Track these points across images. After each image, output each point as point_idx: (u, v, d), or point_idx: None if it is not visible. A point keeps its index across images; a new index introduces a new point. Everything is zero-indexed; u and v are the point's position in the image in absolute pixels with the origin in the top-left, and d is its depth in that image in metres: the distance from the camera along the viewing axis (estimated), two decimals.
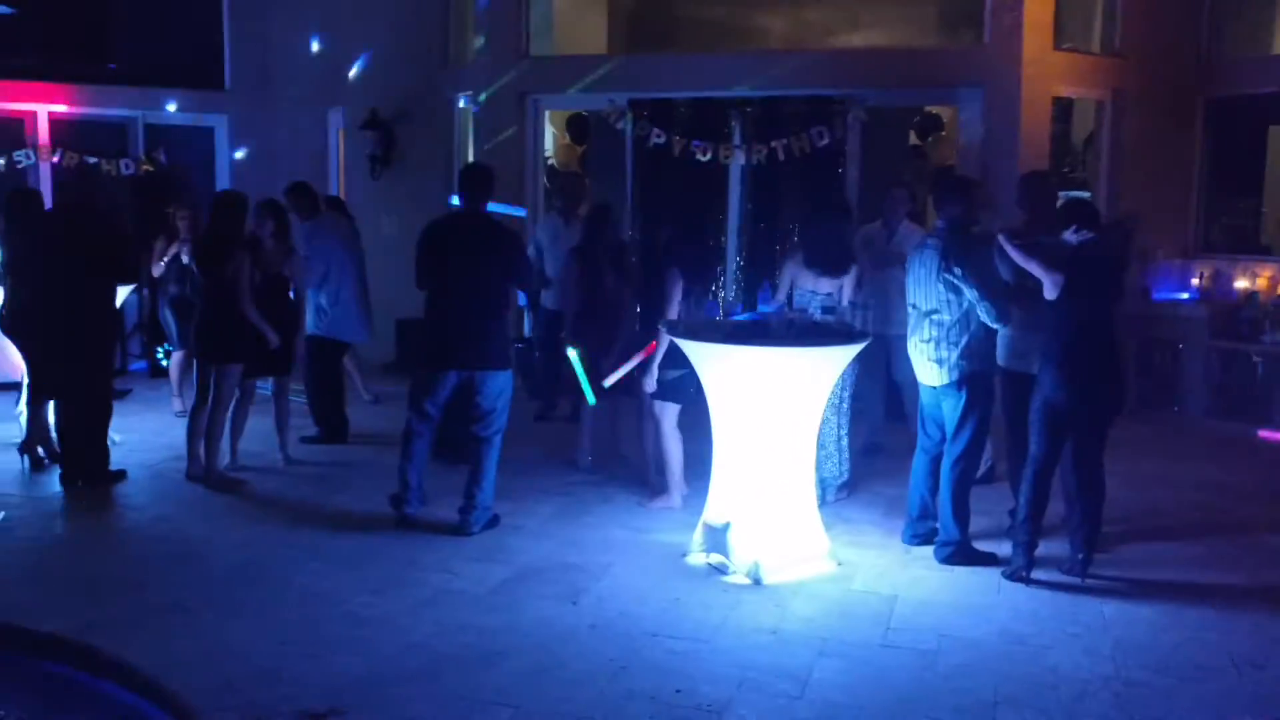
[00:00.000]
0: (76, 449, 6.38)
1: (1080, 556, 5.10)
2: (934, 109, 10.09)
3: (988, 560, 5.30)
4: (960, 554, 5.30)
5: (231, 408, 6.73)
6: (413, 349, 5.81)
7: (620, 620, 4.54)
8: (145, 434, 7.74)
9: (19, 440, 6.92)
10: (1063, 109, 9.57)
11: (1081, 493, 5.09)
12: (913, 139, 10.23)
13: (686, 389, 5.79)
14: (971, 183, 5.60)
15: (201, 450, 6.52)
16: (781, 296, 6.11)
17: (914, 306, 5.38)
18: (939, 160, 9.78)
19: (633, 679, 3.98)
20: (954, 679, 4.07)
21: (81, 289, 6.33)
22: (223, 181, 12.44)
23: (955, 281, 5.13)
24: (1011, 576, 5.09)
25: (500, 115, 9.83)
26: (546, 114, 10.21)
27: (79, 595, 4.76)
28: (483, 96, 9.90)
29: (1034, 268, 5.01)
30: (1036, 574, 5.09)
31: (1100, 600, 4.86)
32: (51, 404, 6.67)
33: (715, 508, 5.27)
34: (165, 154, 11.88)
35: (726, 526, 5.13)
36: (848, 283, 6.12)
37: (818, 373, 5.10)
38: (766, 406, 5.01)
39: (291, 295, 6.91)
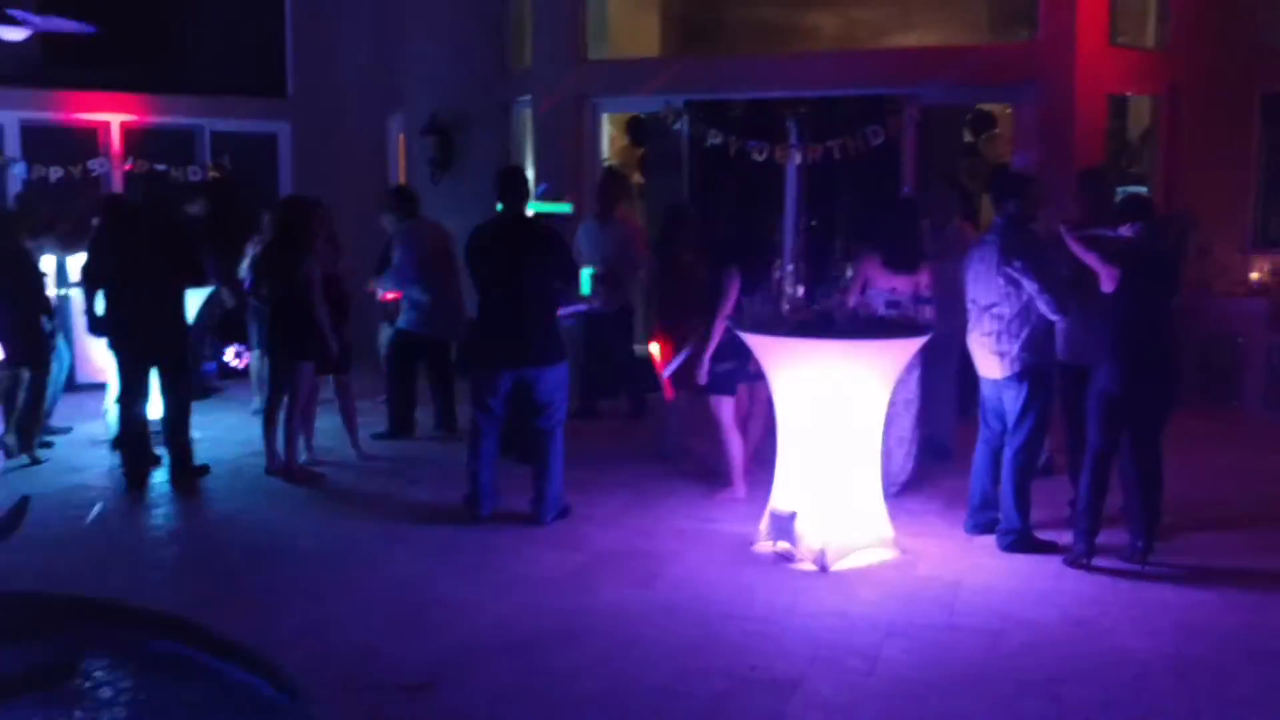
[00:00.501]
0: (179, 446, 6.68)
1: (1140, 544, 5.21)
2: (987, 106, 10.17)
3: (1048, 549, 5.42)
4: (1021, 542, 5.42)
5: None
6: (468, 350, 6.02)
7: (694, 602, 4.73)
8: (221, 430, 8.05)
9: (108, 438, 7.22)
10: (1118, 104, 9.61)
11: (1140, 482, 5.19)
12: (967, 137, 10.31)
13: (736, 382, 5.98)
14: (1028, 179, 5.74)
15: (280, 445, 6.80)
16: (854, 298, 6.16)
17: (973, 301, 5.51)
18: (993, 158, 9.87)
19: (708, 656, 4.16)
20: (1018, 658, 4.21)
21: (167, 291, 6.65)
22: (285, 187, 12.79)
23: (1014, 275, 5.26)
24: (1073, 563, 5.21)
25: (559, 119, 10.04)
26: (604, 117, 10.41)
27: (175, 580, 5.03)
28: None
29: (1092, 261, 5.13)
30: (1097, 561, 5.20)
31: (1161, 586, 4.98)
32: (148, 404, 6.87)
33: (781, 497, 5.43)
34: (230, 161, 12.28)
35: (793, 515, 5.29)
36: (923, 281, 6.23)
37: (881, 365, 5.25)
38: (831, 398, 5.17)
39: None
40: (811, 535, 5.23)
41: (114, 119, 12.05)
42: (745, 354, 5.64)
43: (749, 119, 9.58)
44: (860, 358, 5.13)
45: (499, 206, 5.91)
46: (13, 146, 11.61)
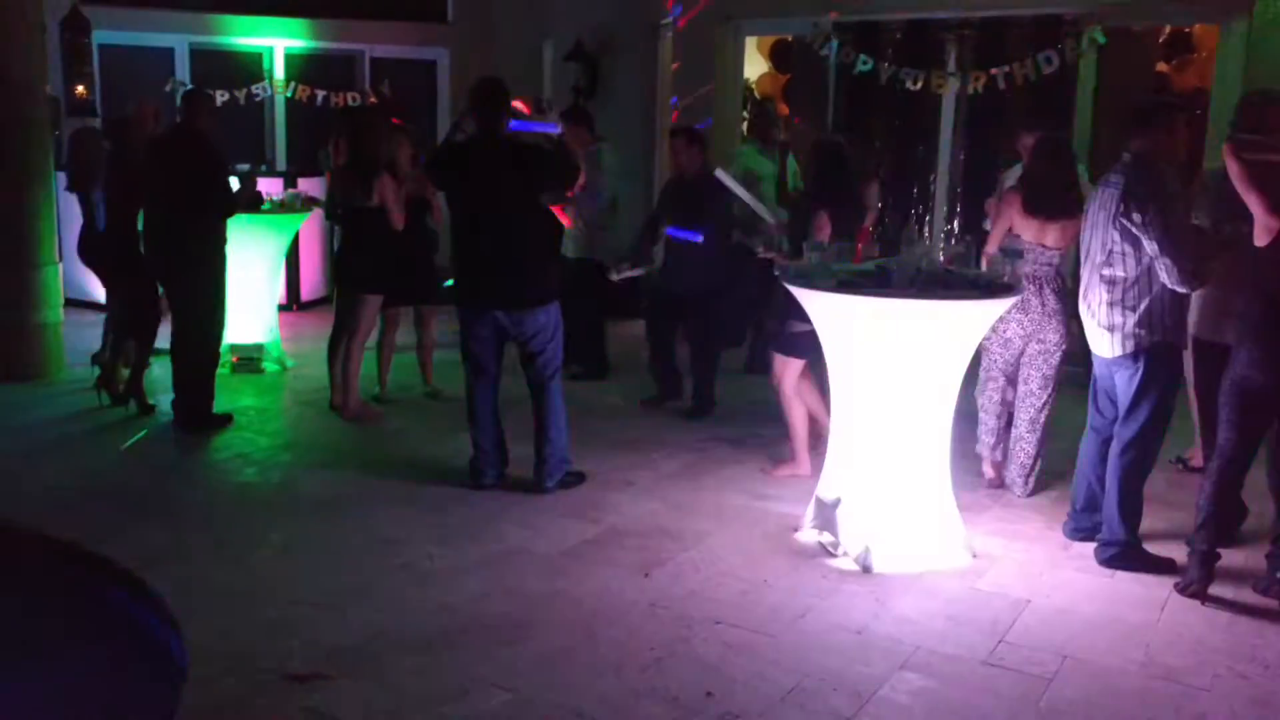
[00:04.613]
0: (180, 395, 6.14)
1: (1279, 575, 4.12)
2: (1186, 28, 8.64)
3: (1162, 567, 4.38)
4: (1125, 556, 4.41)
5: (377, 337, 6.67)
6: (452, 290, 5.16)
7: (686, 601, 4.02)
8: (318, 362, 7.78)
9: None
10: None
11: None
12: (1161, 66, 8.82)
13: (812, 346, 5.13)
14: (1173, 106, 4.55)
15: (344, 379, 6.46)
16: (993, 248, 5.17)
17: (1086, 257, 4.47)
18: (1183, 87, 8.36)
19: (666, 673, 3.46)
20: (1060, 717, 3.30)
21: (180, 223, 5.99)
22: (444, 114, 12.58)
23: (1135, 230, 4.19)
24: (1183, 591, 4.17)
25: (700, 41, 9.26)
26: (748, 40, 9.53)
27: (158, 524, 4.71)
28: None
29: (1254, 200, 3.98)
30: (1218, 590, 4.15)
31: None
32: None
33: (829, 480, 4.62)
34: (389, 86, 12.13)
35: (836, 502, 4.48)
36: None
37: (952, 331, 4.32)
38: (886, 367, 4.30)
39: (430, 222, 6.71)
40: (856, 528, 4.40)
41: (277, 43, 12.09)
42: None
43: (904, 42, 8.48)
44: (921, 320, 4.21)
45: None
46: (182, 70, 11.82)
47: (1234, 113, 4.71)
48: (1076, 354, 6.49)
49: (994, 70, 8.03)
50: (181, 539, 4.52)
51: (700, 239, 6.34)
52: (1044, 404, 5.24)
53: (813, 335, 5.11)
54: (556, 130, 5.76)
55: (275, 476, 5.41)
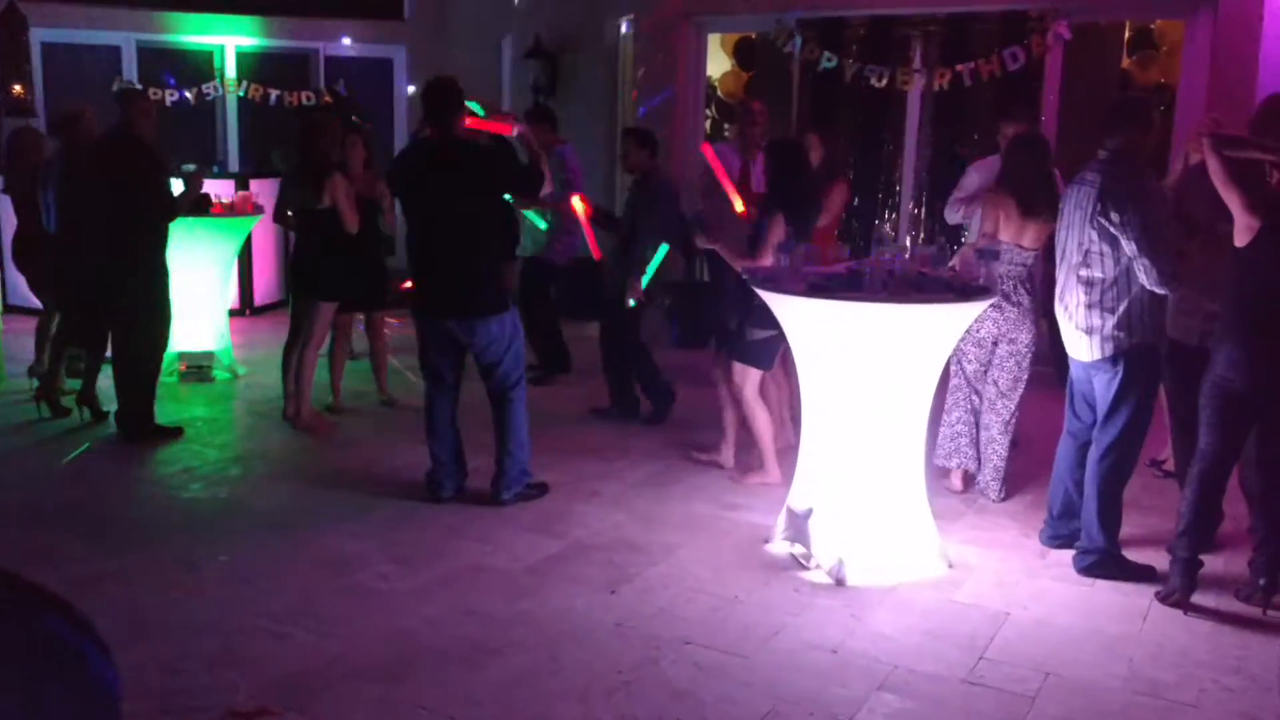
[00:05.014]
0: (121, 404, 5.88)
1: (1262, 581, 4.01)
2: (1150, 24, 8.58)
3: (1142, 575, 4.27)
4: (1104, 565, 4.29)
5: (329, 345, 6.45)
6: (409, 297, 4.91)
7: (655, 620, 3.85)
8: (271, 370, 7.54)
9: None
10: None
11: (1266, 501, 3.99)
12: (1126, 62, 8.75)
13: (774, 355, 5.00)
14: (1147, 104, 4.43)
15: (297, 389, 6.23)
16: (981, 242, 5.04)
17: (1062, 257, 4.34)
18: (1146, 83, 8.28)
19: (631, 700, 3.28)
20: None
21: (121, 228, 5.74)
22: (401, 113, 12.34)
23: (1112, 230, 4.07)
24: (1165, 600, 4.06)
25: (660, 39, 9.09)
26: (709, 38, 9.37)
27: (94, 544, 4.47)
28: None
29: (1233, 198, 3.87)
30: (1200, 599, 4.04)
31: None
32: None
33: (800, 489, 4.46)
34: (344, 86, 11.87)
35: (808, 513, 4.33)
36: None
37: (928, 335, 4.17)
38: (858, 372, 4.15)
39: (380, 224, 6.49)
40: (829, 539, 4.25)
41: (228, 41, 11.79)
42: None
43: (869, 39, 8.36)
44: (893, 325, 4.06)
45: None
46: (130, 70, 11.49)
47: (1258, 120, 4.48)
48: (1044, 354, 6.41)
49: (959, 66, 7.94)
50: (119, 561, 4.27)
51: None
52: (1015, 405, 5.14)
53: (771, 342, 4.99)
54: (515, 131, 5.53)
55: (222, 492, 5.17)
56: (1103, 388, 4.26)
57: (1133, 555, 4.36)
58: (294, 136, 7.03)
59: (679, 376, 6.64)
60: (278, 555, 4.37)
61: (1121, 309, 4.14)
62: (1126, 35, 8.57)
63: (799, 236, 4.95)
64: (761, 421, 5.18)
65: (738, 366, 5.15)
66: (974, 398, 5.21)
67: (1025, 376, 5.11)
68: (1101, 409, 4.28)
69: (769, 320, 4.63)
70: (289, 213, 6.27)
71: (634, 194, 6.31)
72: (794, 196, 5.14)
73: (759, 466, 5.30)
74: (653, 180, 6.25)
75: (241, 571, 4.21)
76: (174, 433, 5.96)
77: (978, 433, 5.23)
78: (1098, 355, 4.21)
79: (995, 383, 5.12)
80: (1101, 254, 4.13)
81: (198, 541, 4.52)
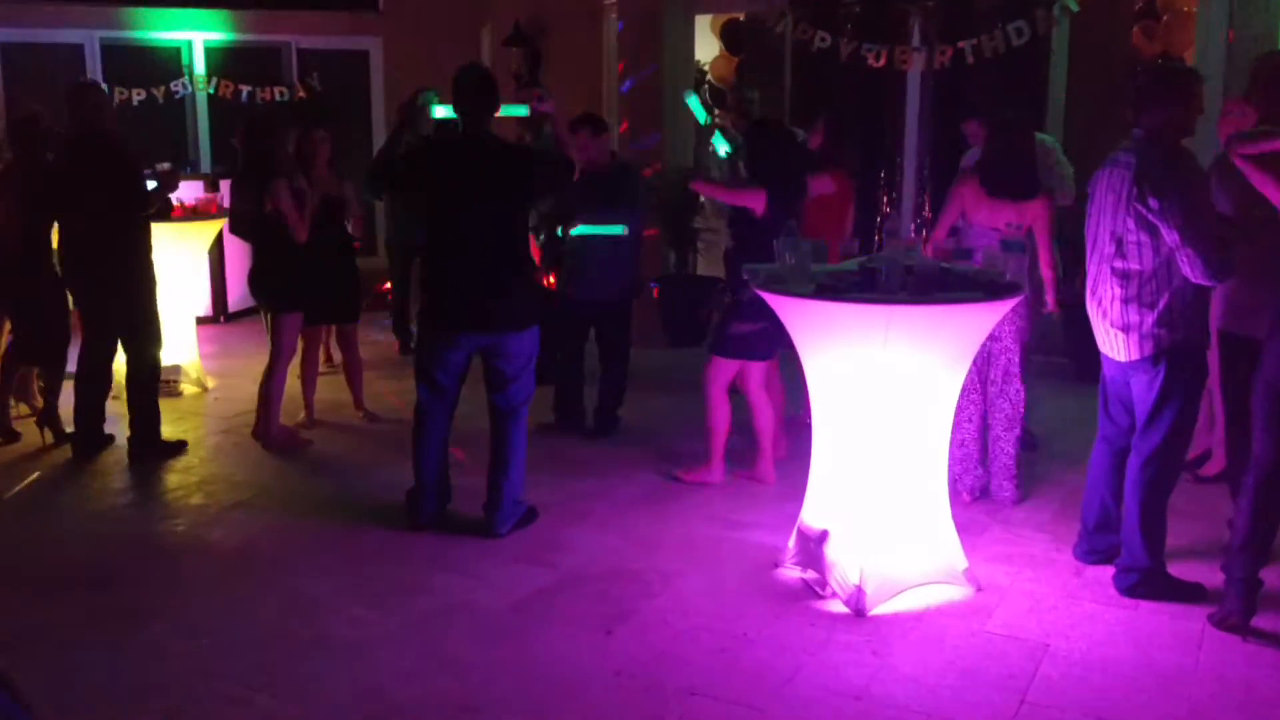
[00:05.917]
0: (134, 426, 5.54)
1: None
2: None
3: (1190, 595, 3.87)
4: (1149, 584, 3.90)
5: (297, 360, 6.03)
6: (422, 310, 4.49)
7: (656, 665, 3.44)
8: (245, 380, 7.09)
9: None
10: None
11: None
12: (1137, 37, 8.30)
13: (754, 349, 4.71)
14: (1190, 76, 4.01)
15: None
16: (942, 234, 4.87)
17: (1093, 248, 3.94)
18: (1151, 54, 7.82)
19: None
20: None
21: (102, 233, 5.37)
22: (377, 106, 11.90)
23: (1150, 216, 3.67)
24: (1220, 624, 3.67)
25: (647, 21, 8.66)
26: (697, 20, 8.94)
27: (29, 592, 4.05)
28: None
29: (1270, 189, 3.49)
30: (1260, 621, 3.65)
31: None
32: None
33: (812, 511, 4.06)
34: (319, 80, 11.44)
35: (823, 535, 3.93)
36: (1041, 214, 4.73)
37: (951, 338, 3.77)
38: (874, 381, 3.74)
39: (349, 228, 6.05)
40: (846, 564, 3.85)
41: (196, 37, 11.33)
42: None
43: (864, 17, 7.94)
44: (912, 328, 3.65)
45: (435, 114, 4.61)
46: (94, 68, 11.02)
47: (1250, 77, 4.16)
48: (1057, 344, 6.01)
49: (961, 43, 7.51)
50: (59, 612, 3.85)
51: (624, 231, 5.75)
52: (1017, 400, 4.79)
53: (753, 337, 4.74)
54: (549, 109, 5.05)
55: (181, 524, 4.74)
56: (1142, 390, 3.86)
57: (1175, 569, 3.97)
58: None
59: (674, 380, 6.25)
60: (239, 602, 3.94)
61: (1162, 303, 3.74)
62: (1137, 6, 8.14)
63: (786, 214, 4.65)
64: (720, 417, 5.01)
65: (715, 360, 4.93)
66: (977, 401, 4.87)
67: (1018, 369, 4.81)
68: (1142, 414, 3.88)
69: (758, 314, 4.39)
70: (242, 222, 5.84)
71: (600, 184, 5.80)
72: (777, 174, 4.84)
73: (704, 462, 5.10)
74: (616, 167, 5.87)
75: (198, 623, 3.78)
76: (178, 447, 5.68)
77: (985, 445, 4.89)
78: (1136, 355, 3.81)
79: (991, 381, 4.81)
80: (1139, 244, 3.73)
81: (149, 586, 4.10)
